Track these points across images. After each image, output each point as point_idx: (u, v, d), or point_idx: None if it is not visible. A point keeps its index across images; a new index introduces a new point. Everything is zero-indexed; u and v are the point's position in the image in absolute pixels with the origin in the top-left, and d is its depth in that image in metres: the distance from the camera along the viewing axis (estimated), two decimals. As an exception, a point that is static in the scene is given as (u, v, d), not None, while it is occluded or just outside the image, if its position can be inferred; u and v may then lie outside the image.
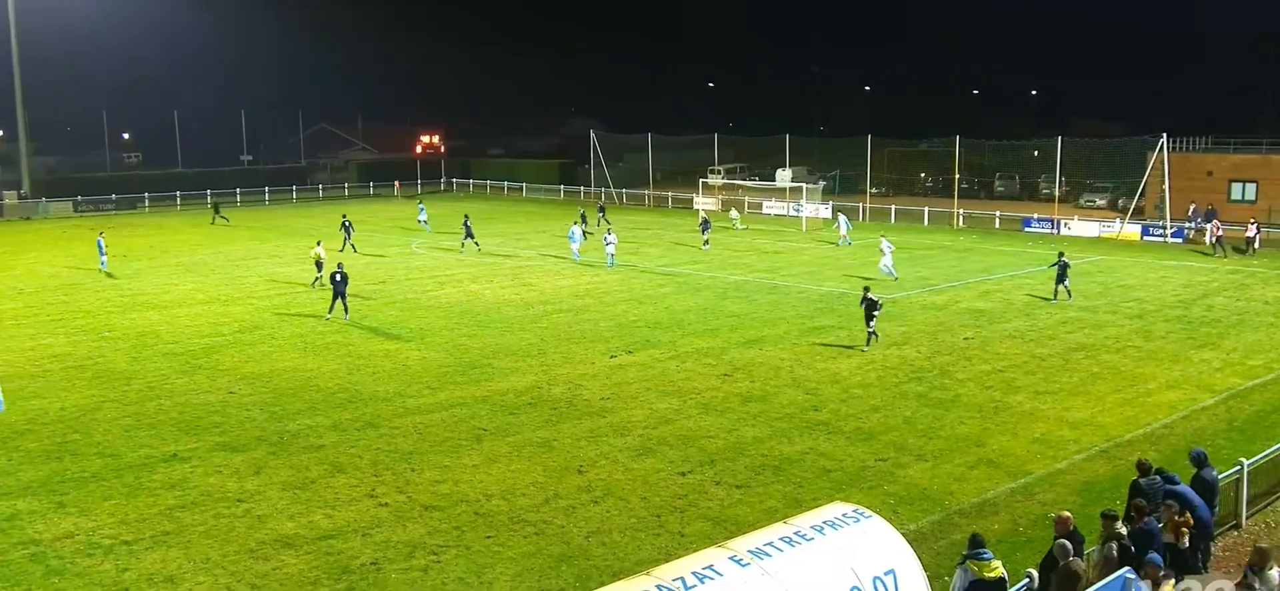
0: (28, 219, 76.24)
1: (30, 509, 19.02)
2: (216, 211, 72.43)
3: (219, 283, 44.44)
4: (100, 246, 48.35)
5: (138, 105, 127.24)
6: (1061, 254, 39.63)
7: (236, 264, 49.83)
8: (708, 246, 53.59)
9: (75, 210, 79.83)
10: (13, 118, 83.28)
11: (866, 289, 31.63)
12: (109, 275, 46.48)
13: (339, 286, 35.64)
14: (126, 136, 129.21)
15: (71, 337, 33.67)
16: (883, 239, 45.37)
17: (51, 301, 40.24)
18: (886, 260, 43.95)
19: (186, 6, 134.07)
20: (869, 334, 30.96)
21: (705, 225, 55.73)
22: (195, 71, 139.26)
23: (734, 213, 67.24)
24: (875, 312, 30.80)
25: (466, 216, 55.45)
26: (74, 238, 62.00)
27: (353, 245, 52.80)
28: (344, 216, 57.09)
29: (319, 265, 42.21)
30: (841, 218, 57.92)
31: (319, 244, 43.92)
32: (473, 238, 53.31)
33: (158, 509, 18.98)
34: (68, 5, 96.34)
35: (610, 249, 48.29)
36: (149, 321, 36.07)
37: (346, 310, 35.78)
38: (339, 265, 37.59)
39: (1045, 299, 38.38)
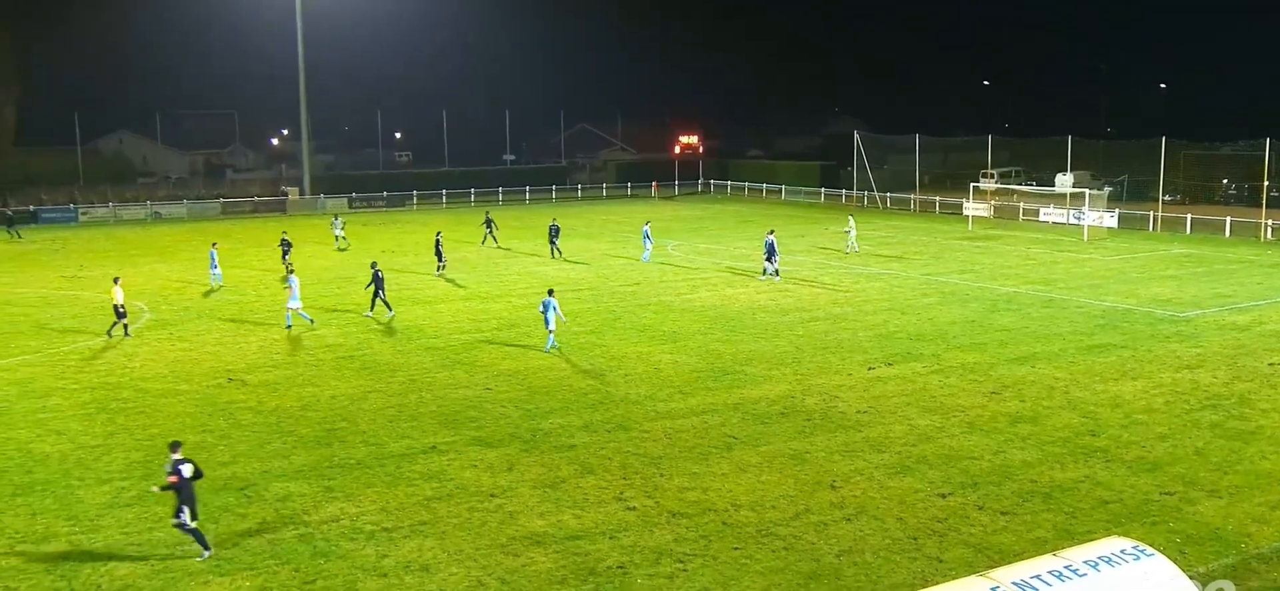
0: (307, 214, 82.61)
1: (301, 491, 20.58)
2: (10, 227, 68.57)
3: (480, 280, 46.63)
4: (212, 260, 45.56)
5: (409, 106, 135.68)
6: None
7: (497, 262, 52.15)
8: (776, 277, 45.06)
9: (350, 206, 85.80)
10: (297, 118, 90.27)
11: None
12: (207, 292, 43.90)
13: (378, 284, 37.98)
14: (398, 136, 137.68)
15: (342, 329, 36.15)
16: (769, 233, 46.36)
17: (325, 293, 43.28)
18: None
19: (458, 10, 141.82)
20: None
21: (771, 250, 45.32)
22: (464, 73, 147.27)
23: (851, 222, 56.51)
24: None
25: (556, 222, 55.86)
26: (348, 233, 66.40)
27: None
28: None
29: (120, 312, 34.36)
30: (770, 238, 46.09)
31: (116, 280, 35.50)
32: (555, 245, 53.81)
33: (416, 499, 20.14)
34: (348, 10, 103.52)
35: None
36: (413, 316, 38.25)
37: (389, 307, 38.06)
38: (373, 263, 40.45)
39: None
